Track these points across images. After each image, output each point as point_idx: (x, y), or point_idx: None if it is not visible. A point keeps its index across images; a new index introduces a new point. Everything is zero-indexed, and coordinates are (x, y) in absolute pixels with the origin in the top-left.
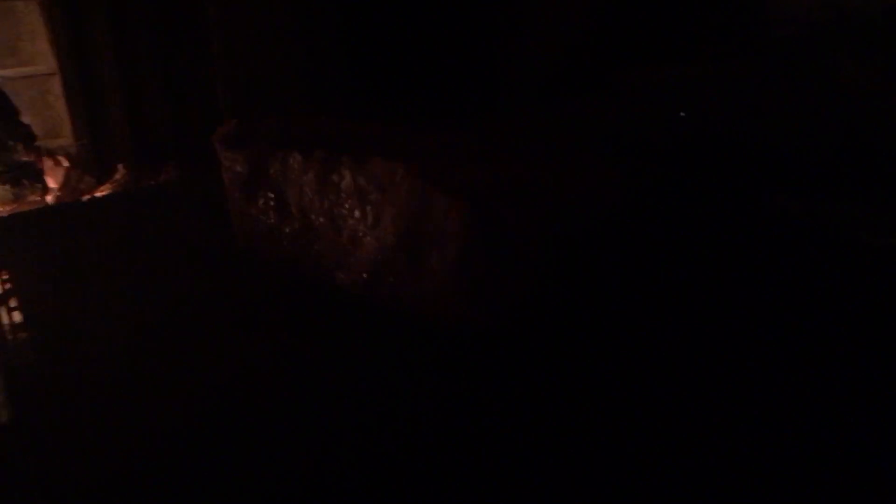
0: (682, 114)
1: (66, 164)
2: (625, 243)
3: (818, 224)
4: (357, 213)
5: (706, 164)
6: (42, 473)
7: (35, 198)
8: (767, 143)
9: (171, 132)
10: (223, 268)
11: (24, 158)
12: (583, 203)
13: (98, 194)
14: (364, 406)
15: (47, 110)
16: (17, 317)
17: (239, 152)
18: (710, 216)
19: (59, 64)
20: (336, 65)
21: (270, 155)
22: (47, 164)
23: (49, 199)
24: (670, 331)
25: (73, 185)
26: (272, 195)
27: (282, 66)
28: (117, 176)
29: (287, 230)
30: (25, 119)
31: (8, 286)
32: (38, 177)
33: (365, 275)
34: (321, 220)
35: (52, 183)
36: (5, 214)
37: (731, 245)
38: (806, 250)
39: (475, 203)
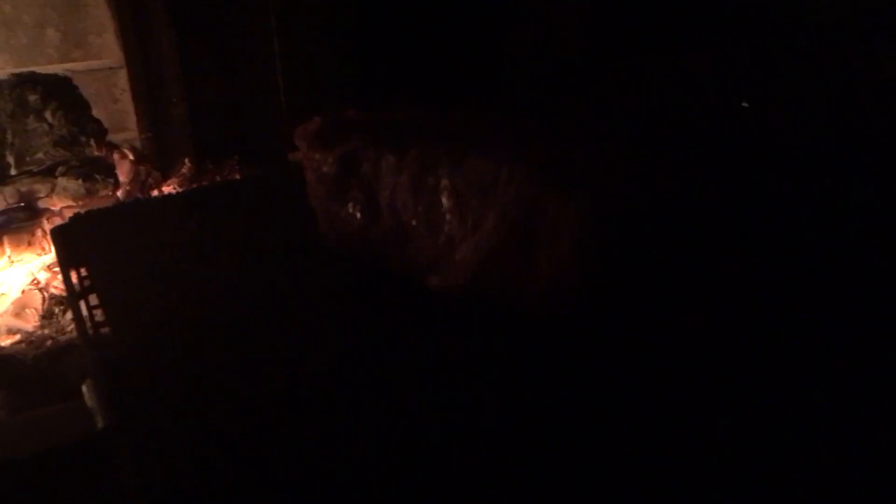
0: (745, 104)
1: (131, 157)
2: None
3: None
4: (455, 217)
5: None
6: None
7: (107, 192)
8: (798, 132)
9: (232, 127)
10: (313, 263)
11: (96, 153)
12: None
13: (167, 189)
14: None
15: (113, 104)
16: (103, 313)
17: (327, 152)
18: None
19: (126, 57)
20: (384, 57)
21: (361, 154)
22: (114, 157)
23: (119, 193)
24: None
25: (143, 180)
26: (362, 196)
27: (337, 60)
28: (184, 170)
29: (377, 232)
30: (94, 113)
31: (89, 283)
32: (109, 172)
33: (461, 280)
34: (414, 222)
35: (120, 177)
36: (80, 209)
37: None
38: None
39: (597, 205)
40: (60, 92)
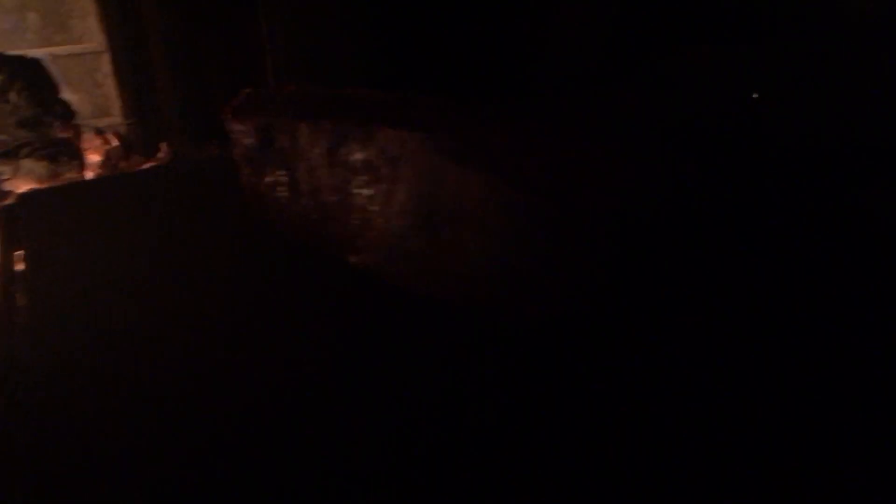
0: (755, 95)
1: (115, 142)
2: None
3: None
4: (367, 191)
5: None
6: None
7: (72, 175)
8: (843, 132)
9: (218, 113)
10: (243, 245)
11: (62, 135)
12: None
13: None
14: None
15: (97, 88)
16: (27, 300)
17: (247, 122)
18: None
19: (109, 41)
20: (380, 43)
21: (278, 125)
22: (96, 142)
23: (89, 175)
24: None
25: (114, 163)
26: (281, 171)
27: (330, 44)
28: (160, 154)
29: (298, 209)
30: (74, 96)
31: (24, 265)
32: (75, 153)
33: (377, 260)
34: (332, 198)
35: (95, 159)
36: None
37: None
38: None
39: (496, 177)
40: (27, 73)
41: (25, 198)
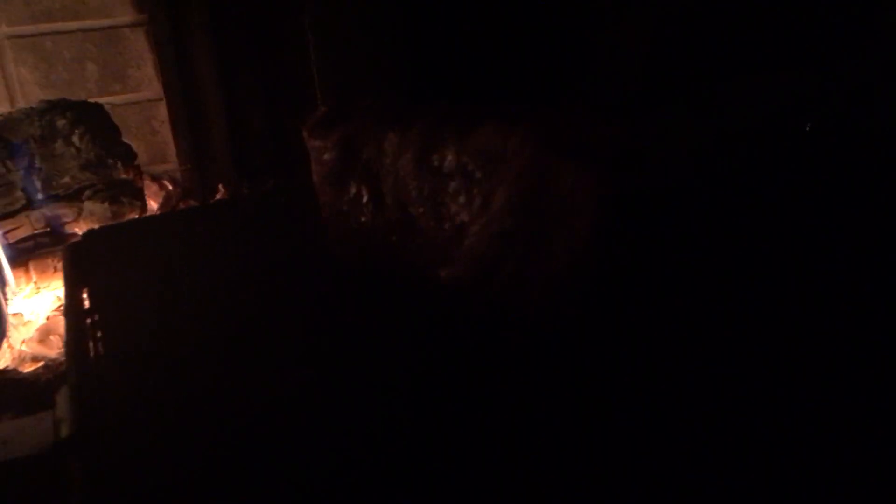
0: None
1: (170, 187)
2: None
3: None
4: (462, 198)
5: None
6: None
7: (133, 215)
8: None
9: (272, 154)
10: (315, 277)
11: (123, 176)
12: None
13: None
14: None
15: (153, 136)
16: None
17: (327, 138)
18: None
19: (165, 89)
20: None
21: (362, 138)
22: (153, 188)
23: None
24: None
25: (174, 205)
26: (365, 185)
27: (385, 84)
28: (218, 196)
29: (382, 224)
30: (134, 146)
31: (91, 303)
32: (137, 195)
33: (472, 271)
34: (420, 209)
35: (154, 205)
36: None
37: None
38: None
39: (610, 172)
40: (89, 117)
41: (89, 236)
